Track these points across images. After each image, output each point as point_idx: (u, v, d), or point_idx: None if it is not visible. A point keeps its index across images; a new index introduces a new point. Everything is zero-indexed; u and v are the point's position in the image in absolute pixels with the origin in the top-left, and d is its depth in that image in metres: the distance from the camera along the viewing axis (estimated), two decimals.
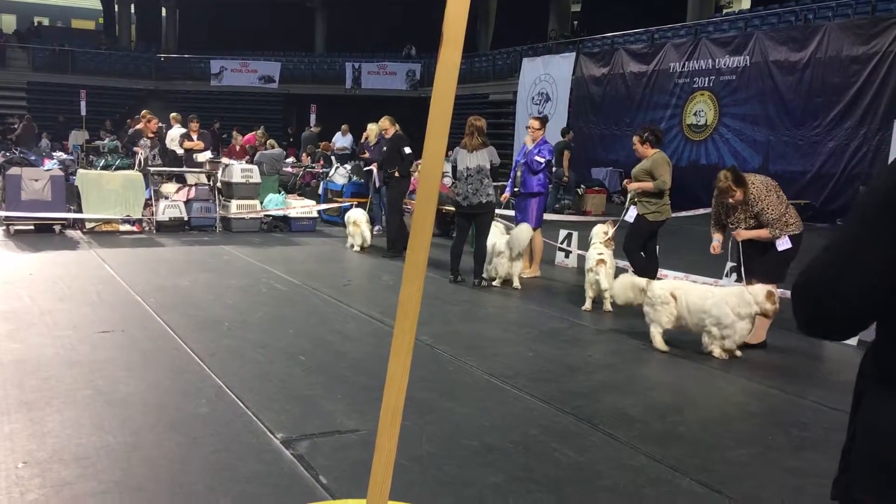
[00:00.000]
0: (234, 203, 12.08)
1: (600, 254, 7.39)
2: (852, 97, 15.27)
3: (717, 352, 5.81)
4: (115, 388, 4.64)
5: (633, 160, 8.15)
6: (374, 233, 11.38)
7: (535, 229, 8.68)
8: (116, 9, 35.68)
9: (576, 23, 30.11)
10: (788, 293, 5.27)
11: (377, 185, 11.87)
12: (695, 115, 18.89)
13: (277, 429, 4.09)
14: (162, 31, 35.98)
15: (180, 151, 13.73)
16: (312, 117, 24.94)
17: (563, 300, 7.91)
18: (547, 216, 10.07)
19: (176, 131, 14.21)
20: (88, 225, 11.26)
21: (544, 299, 7.95)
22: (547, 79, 23.39)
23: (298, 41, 33.18)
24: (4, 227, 10.85)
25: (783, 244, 6.05)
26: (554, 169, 16.80)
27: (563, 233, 10.21)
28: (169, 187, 12.27)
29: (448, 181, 9.81)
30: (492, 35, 30.72)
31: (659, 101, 19.85)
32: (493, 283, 8.38)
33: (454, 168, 8.33)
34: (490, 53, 28.78)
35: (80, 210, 11.24)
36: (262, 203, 12.46)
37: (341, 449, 3.90)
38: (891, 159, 13.56)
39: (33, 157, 15.08)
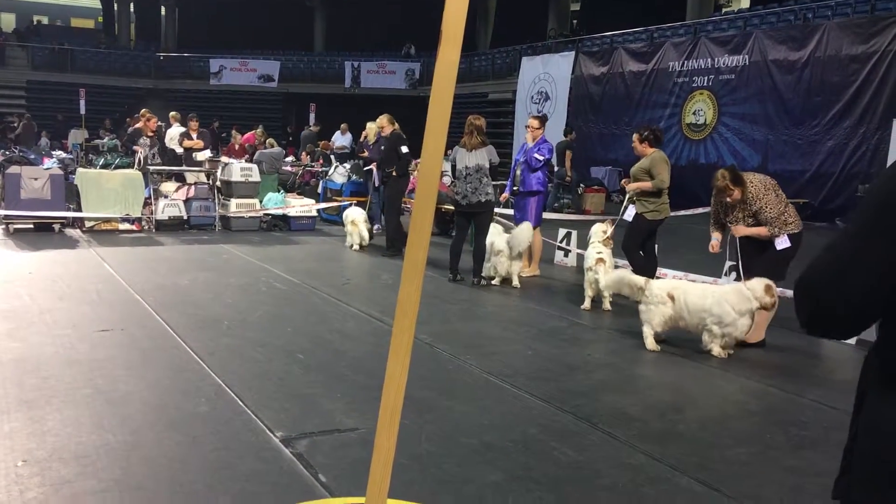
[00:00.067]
0: (233, 202, 12.08)
1: (599, 253, 7.40)
2: (851, 96, 15.28)
3: (716, 350, 5.81)
4: (114, 386, 4.65)
5: (632, 159, 8.16)
6: (374, 231, 11.38)
7: (534, 228, 8.69)
8: (116, 7, 35.63)
9: (575, 22, 30.11)
10: (788, 292, 5.24)
11: (376, 184, 11.87)
12: (694, 114, 18.89)
13: (277, 427, 4.10)
14: (161, 30, 35.96)
15: (180, 150, 13.72)
16: (312, 116, 24.93)
17: (562, 299, 7.91)
18: (546, 215, 10.07)
19: (175, 130, 14.20)
20: (88, 224, 11.26)
21: (543, 298, 7.95)
22: (546, 78, 23.40)
23: (298, 40, 33.15)
24: (4, 226, 10.85)
25: (782, 243, 6.05)
26: (556, 168, 16.86)
27: (562, 232, 10.22)
28: (168, 186, 12.27)
29: (447, 180, 9.81)
30: (491, 34, 30.70)
31: (658, 101, 19.85)
32: (493, 282, 8.39)
33: (453, 167, 8.33)
34: (489, 52, 28.77)
35: (79, 209, 11.23)
36: (261, 202, 12.46)
37: (340, 447, 3.90)
38: (890, 158, 13.64)
39: (33, 156, 15.07)
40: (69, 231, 11.16)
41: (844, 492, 1.56)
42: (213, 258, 9.56)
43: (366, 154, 12.89)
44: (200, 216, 12.02)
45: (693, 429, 4.39)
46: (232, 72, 31.57)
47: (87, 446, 3.74)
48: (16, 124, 23.96)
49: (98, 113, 26.26)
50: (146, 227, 11.65)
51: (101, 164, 12.10)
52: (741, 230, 6.20)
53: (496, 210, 9.21)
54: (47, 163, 13.76)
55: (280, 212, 12.51)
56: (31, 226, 10.96)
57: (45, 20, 42.27)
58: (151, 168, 12.09)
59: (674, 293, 5.92)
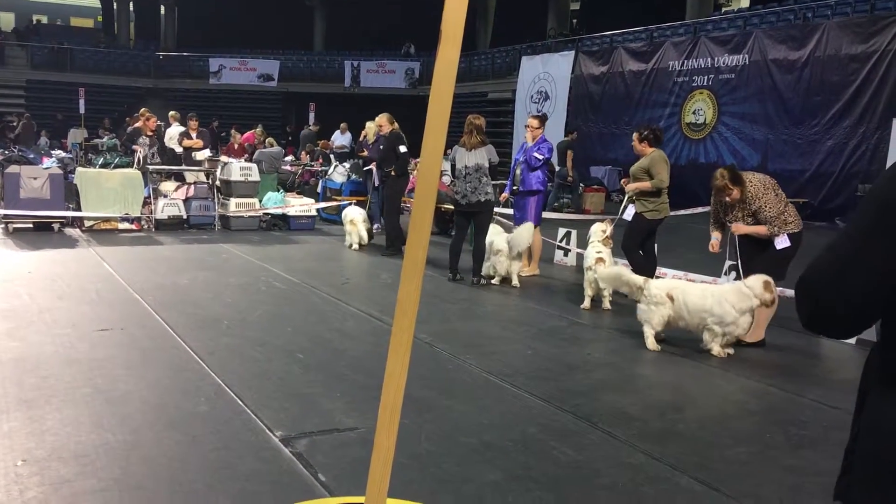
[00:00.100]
0: (232, 201, 12.07)
1: (599, 252, 7.40)
2: (851, 96, 15.28)
3: (715, 349, 5.82)
4: (114, 386, 4.65)
5: (632, 158, 8.15)
6: (374, 231, 11.39)
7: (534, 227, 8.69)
8: (115, 7, 35.61)
9: (575, 21, 30.11)
10: (788, 292, 5.24)
11: (376, 183, 11.86)
12: (693, 113, 18.89)
13: (276, 427, 4.10)
14: (161, 30, 35.94)
15: (179, 150, 13.72)
16: (311, 115, 24.93)
17: (561, 298, 7.91)
18: (546, 214, 10.08)
19: (175, 129, 14.20)
20: (87, 223, 11.26)
21: (543, 297, 7.95)
22: (546, 77, 23.39)
23: (297, 39, 33.14)
24: (3, 226, 10.84)
25: (782, 242, 6.04)
26: (558, 168, 16.86)
27: (561, 231, 10.22)
28: (168, 185, 12.27)
29: (447, 179, 9.81)
30: (491, 33, 30.70)
31: (658, 100, 19.85)
32: (492, 282, 8.39)
33: (453, 166, 8.33)
34: (489, 52, 28.77)
35: (78, 208, 11.23)
36: (260, 201, 12.45)
37: (340, 447, 3.90)
38: (889, 157, 13.63)
39: (32, 156, 15.08)
40: (68, 230, 11.16)
41: (845, 492, 1.56)
42: (213, 257, 9.56)
43: (365, 153, 12.89)
44: (200, 215, 12.02)
45: (693, 428, 4.39)
46: (231, 71, 31.56)
47: (86, 446, 3.74)
48: (15, 124, 23.95)
49: (97, 112, 26.25)
50: (145, 227, 11.65)
51: (100, 163, 12.10)
52: (741, 228, 6.20)
53: (496, 210, 9.21)
54: (46, 162, 13.79)
55: (279, 211, 12.51)
56: (31, 225, 10.96)
57: (44, 19, 42.20)
58: (151, 167, 12.09)
59: (673, 293, 5.92)
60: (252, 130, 18.69)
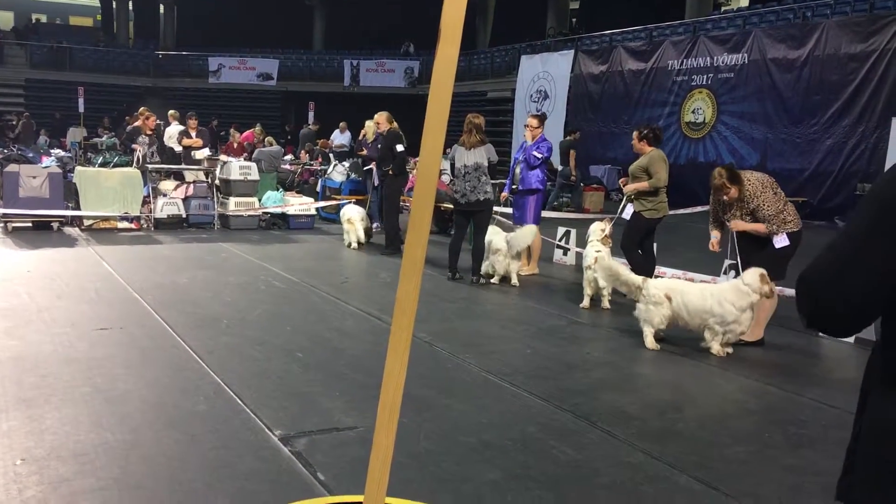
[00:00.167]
0: (232, 200, 12.07)
1: (598, 251, 7.39)
2: (850, 95, 15.28)
3: (715, 348, 5.82)
4: (113, 385, 4.64)
5: (631, 157, 8.15)
6: (374, 230, 11.38)
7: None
8: (114, 6, 35.58)
9: (574, 20, 30.09)
10: (787, 291, 5.23)
11: (375, 182, 11.86)
12: (693, 112, 18.89)
13: (276, 426, 4.10)
14: (160, 29, 35.92)
15: (178, 149, 13.71)
16: (311, 115, 24.92)
17: (561, 297, 7.91)
18: (545, 213, 10.08)
19: (174, 128, 14.19)
20: (86, 222, 11.25)
21: (542, 297, 7.96)
22: (545, 76, 23.39)
23: (297, 38, 33.13)
24: (2, 225, 10.83)
25: (781, 241, 6.04)
26: (561, 168, 16.87)
27: (561, 230, 10.22)
28: (167, 184, 12.26)
29: (447, 179, 9.81)
30: (490, 32, 30.70)
31: (657, 99, 19.85)
32: (492, 281, 8.39)
33: (452, 165, 8.33)
34: (488, 51, 28.76)
35: (77, 207, 11.23)
36: (260, 200, 12.45)
37: (339, 446, 3.90)
38: (888, 156, 13.61)
39: (31, 155, 15.07)
40: (68, 229, 11.15)
41: (846, 492, 1.56)
42: (212, 257, 9.55)
43: (364, 152, 12.88)
44: (199, 214, 12.01)
45: (692, 427, 4.39)
46: (231, 70, 31.55)
47: (85, 445, 3.74)
48: (14, 123, 23.94)
49: (97, 111, 26.25)
50: (145, 226, 11.64)
51: (99, 162, 12.09)
52: (739, 224, 6.20)
53: (495, 209, 9.21)
54: (46, 161, 13.78)
55: (279, 210, 12.51)
56: (30, 224, 10.96)
57: (43, 18, 42.18)
58: (150, 166, 12.08)
59: (671, 294, 5.92)
60: (251, 129, 18.68)
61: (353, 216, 10.76)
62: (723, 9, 25.81)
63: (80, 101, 22.48)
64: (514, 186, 8.90)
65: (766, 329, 6.27)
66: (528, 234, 8.24)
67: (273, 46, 32.86)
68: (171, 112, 15.05)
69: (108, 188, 11.24)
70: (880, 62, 14.79)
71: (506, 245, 8.21)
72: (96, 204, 11.17)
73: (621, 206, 7.91)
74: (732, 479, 3.69)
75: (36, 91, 29.20)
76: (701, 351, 5.89)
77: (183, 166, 12.99)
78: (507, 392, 4.86)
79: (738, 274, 6.32)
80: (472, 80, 27.55)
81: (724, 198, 6.17)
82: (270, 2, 33.02)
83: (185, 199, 12.02)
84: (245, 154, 15.70)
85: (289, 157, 18.84)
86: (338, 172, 14.06)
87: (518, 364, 5.47)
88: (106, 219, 11.32)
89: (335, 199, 13.42)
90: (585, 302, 7.40)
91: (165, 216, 11.72)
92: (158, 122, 13.64)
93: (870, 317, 1.48)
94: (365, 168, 12.80)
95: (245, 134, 18.53)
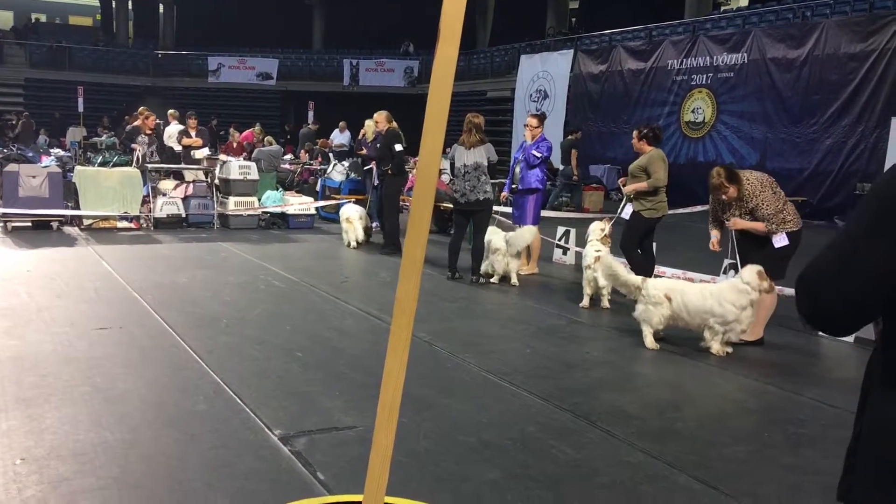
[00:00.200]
0: (231, 200, 12.07)
1: (598, 251, 7.40)
2: (850, 94, 15.28)
3: (715, 347, 5.82)
4: (112, 384, 4.64)
5: (631, 157, 8.16)
6: (374, 229, 11.38)
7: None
8: (114, 5, 35.55)
9: (574, 20, 30.09)
10: (787, 290, 5.23)
11: (375, 182, 11.85)
12: (692, 112, 18.89)
13: (275, 425, 4.10)
14: (159, 28, 35.93)
15: (178, 148, 13.70)
16: (310, 114, 24.91)
17: (560, 297, 7.91)
18: (545, 213, 10.07)
19: (174, 128, 14.19)
20: (86, 222, 11.25)
21: (542, 296, 7.96)
22: (545, 76, 23.39)
23: (296, 38, 33.11)
24: (2, 224, 10.83)
25: (780, 241, 6.04)
26: (562, 168, 16.87)
27: (560, 229, 10.22)
28: (167, 184, 12.26)
29: (447, 178, 9.81)
30: (490, 32, 30.70)
31: (657, 99, 19.85)
32: (491, 280, 8.39)
33: (452, 165, 8.33)
34: (488, 50, 28.76)
35: (77, 207, 11.22)
36: (259, 200, 12.45)
37: (339, 445, 3.90)
38: (888, 156, 13.60)
39: (31, 154, 15.07)
40: (67, 229, 11.15)
41: (846, 493, 1.56)
42: (212, 256, 9.55)
43: (364, 152, 12.87)
44: (199, 214, 12.01)
45: (691, 427, 4.39)
46: (230, 69, 31.54)
47: (85, 444, 3.74)
48: (14, 122, 23.92)
49: (96, 111, 26.24)
50: (144, 225, 11.64)
51: (99, 161, 12.08)
52: (738, 223, 6.20)
53: (495, 209, 9.21)
54: (45, 161, 13.77)
55: (278, 210, 12.50)
56: (30, 224, 10.95)
57: (43, 18, 42.14)
58: (150, 166, 12.08)
59: (671, 294, 5.92)
60: (251, 129, 18.67)
61: (353, 216, 10.76)
62: (722, 8, 25.81)
63: (80, 100, 22.49)
64: (513, 186, 8.90)
65: (765, 328, 6.27)
66: (527, 233, 8.27)
67: (272, 46, 32.85)
68: (170, 111, 15.04)
69: (107, 188, 11.24)
70: (880, 62, 14.79)
71: (505, 244, 8.22)
72: (96, 203, 11.17)
73: (621, 206, 7.91)
74: (732, 478, 3.69)
75: (35, 90, 29.20)
76: (700, 351, 5.89)
77: (182, 166, 12.99)
78: (506, 391, 4.87)
79: (737, 273, 6.33)
80: (471, 79, 27.55)
81: (723, 197, 6.17)
82: (270, 1, 33.01)
83: (185, 199, 12.02)
84: (244, 153, 15.69)
85: (288, 156, 18.84)
86: (337, 172, 14.06)
87: (518, 363, 5.47)
88: (105, 218, 11.33)
89: (335, 198, 13.42)
90: (585, 301, 7.40)
91: (165, 216, 11.72)
92: (158, 121, 13.64)
93: (870, 316, 1.48)
94: (364, 168, 12.79)
95: (244, 133, 18.53)
